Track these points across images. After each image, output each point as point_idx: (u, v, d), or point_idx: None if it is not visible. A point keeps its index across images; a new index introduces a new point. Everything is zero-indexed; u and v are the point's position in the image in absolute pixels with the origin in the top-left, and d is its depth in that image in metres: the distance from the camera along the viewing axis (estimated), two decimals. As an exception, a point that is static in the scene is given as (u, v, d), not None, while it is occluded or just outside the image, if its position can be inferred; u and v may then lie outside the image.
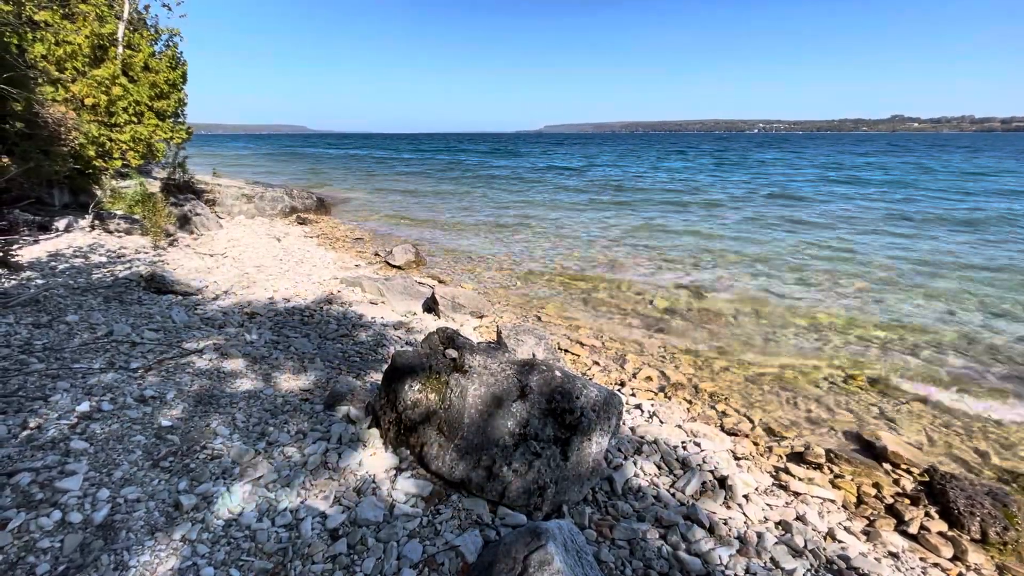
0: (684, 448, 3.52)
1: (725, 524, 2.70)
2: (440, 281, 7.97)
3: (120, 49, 9.97)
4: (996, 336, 6.01)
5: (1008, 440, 4.09)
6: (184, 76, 11.53)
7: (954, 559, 2.84)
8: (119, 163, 9.61)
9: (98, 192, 9.20)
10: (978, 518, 3.02)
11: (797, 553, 2.57)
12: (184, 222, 9.09)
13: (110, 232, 7.59)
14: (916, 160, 40.56)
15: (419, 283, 7.29)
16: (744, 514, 2.86)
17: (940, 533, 3.00)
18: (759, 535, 2.63)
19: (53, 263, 5.68)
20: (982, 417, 4.40)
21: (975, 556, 2.84)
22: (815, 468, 3.67)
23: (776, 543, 2.59)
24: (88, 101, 8.94)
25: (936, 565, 2.77)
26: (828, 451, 3.82)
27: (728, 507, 2.91)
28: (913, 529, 3.04)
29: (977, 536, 2.98)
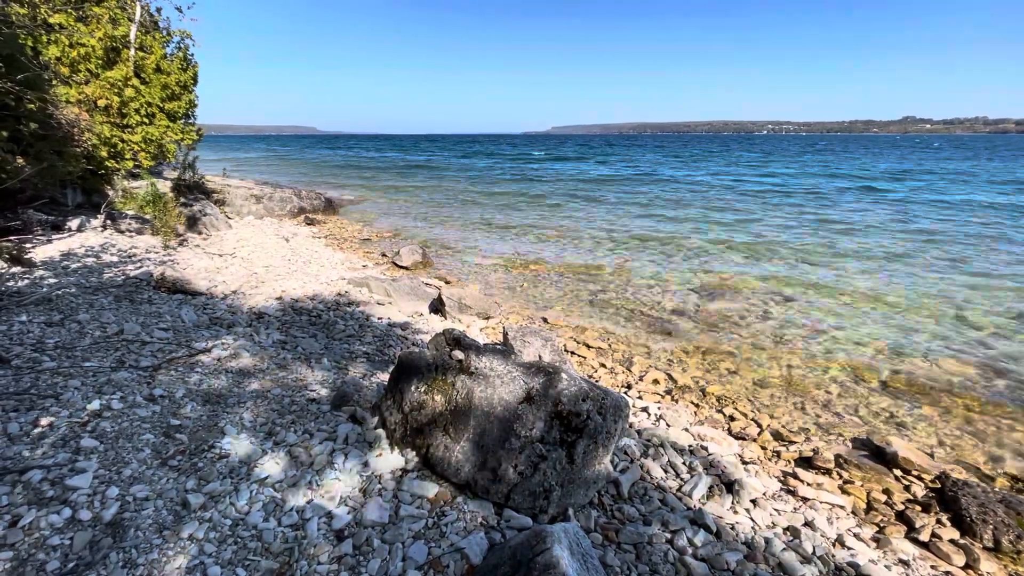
0: (691, 452, 3.49)
1: (732, 529, 2.68)
2: (447, 282, 7.99)
3: (132, 51, 10.09)
4: (1009, 342, 5.92)
5: (1023, 446, 4.02)
6: (195, 78, 11.65)
7: (966, 567, 2.79)
8: (131, 164, 9.72)
9: (110, 192, 9.31)
10: (991, 526, 2.97)
11: (805, 559, 2.54)
12: (194, 222, 9.18)
13: (121, 232, 7.68)
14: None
15: (426, 284, 7.31)
16: (752, 519, 2.83)
17: (952, 541, 2.96)
18: (767, 540, 2.61)
19: (65, 262, 5.75)
20: (995, 422, 4.33)
21: (987, 564, 2.80)
22: (824, 473, 3.63)
23: (784, 549, 2.57)
24: (101, 103, 9.05)
25: (948, 574, 2.73)
26: (837, 456, 3.78)
27: (735, 512, 2.88)
28: (924, 536, 3.00)
29: (990, 544, 2.93)
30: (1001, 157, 47.95)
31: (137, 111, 9.75)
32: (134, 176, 10.76)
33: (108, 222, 7.77)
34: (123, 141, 9.35)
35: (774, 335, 6.12)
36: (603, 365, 5.26)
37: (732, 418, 4.35)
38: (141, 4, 10.44)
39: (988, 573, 2.76)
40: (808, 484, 3.42)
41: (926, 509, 3.25)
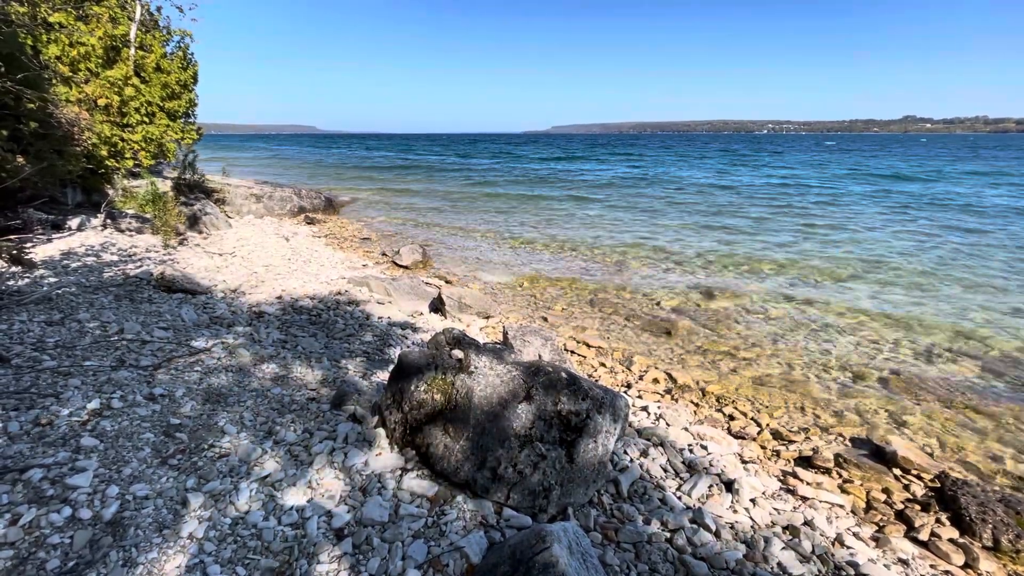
0: (691, 451, 3.50)
1: (731, 528, 2.68)
2: (447, 281, 7.99)
3: (132, 50, 10.09)
4: (1010, 342, 5.92)
5: (1023, 446, 4.02)
6: (195, 77, 11.64)
7: (965, 567, 2.80)
8: (131, 163, 9.72)
9: (110, 191, 9.31)
10: (990, 525, 2.98)
11: (804, 558, 2.54)
12: (194, 221, 9.18)
13: (121, 231, 7.68)
14: None
15: (426, 283, 7.31)
16: (751, 518, 2.84)
17: (951, 540, 2.96)
18: (766, 540, 2.61)
19: (66, 261, 5.75)
20: (996, 422, 4.33)
21: (987, 564, 2.80)
22: (823, 473, 3.63)
23: (783, 548, 2.57)
24: (101, 102, 9.05)
25: (947, 573, 2.73)
26: (837, 456, 3.78)
27: (735, 511, 2.88)
28: (923, 536, 3.00)
29: (989, 543, 2.94)
30: (1008, 156, 47.87)
31: (137, 110, 9.75)
32: (134, 175, 10.76)
33: (108, 221, 7.77)
34: (123, 140, 9.34)
35: (774, 335, 6.12)
36: (603, 364, 5.26)
37: (732, 417, 4.35)
38: (141, 3, 10.44)
39: (987, 572, 2.76)
40: (807, 483, 3.42)
41: (925, 508, 3.25)
